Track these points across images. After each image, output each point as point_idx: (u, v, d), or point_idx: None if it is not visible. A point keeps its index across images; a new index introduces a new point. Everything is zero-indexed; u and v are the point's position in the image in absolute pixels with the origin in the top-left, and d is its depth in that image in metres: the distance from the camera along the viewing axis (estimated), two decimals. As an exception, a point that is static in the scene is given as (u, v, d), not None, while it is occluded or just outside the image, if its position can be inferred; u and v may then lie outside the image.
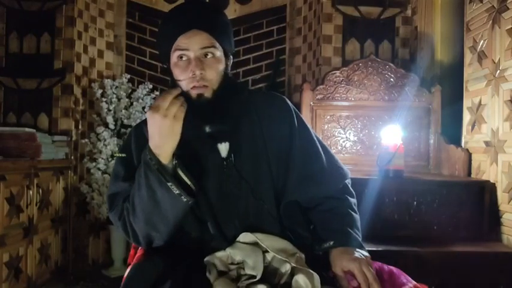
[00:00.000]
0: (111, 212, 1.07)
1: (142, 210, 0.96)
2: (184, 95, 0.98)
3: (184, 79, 1.00)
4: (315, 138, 1.15)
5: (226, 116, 1.03)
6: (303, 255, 0.97)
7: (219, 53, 1.02)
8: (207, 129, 1.03)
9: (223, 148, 1.04)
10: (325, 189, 1.11)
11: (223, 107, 1.02)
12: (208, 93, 1.00)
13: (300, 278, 0.89)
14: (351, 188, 1.18)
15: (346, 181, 1.16)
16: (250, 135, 1.07)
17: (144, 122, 1.12)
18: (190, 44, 0.99)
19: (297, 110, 1.15)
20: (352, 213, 1.11)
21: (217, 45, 1.02)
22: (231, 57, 1.10)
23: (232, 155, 1.04)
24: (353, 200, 1.15)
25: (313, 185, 1.09)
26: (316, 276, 0.90)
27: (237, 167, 1.03)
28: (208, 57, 1.00)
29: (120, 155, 1.10)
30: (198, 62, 0.99)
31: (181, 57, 1.01)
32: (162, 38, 1.07)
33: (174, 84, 1.03)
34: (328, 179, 1.11)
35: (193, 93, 1.00)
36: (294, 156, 1.09)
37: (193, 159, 1.01)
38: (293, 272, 0.92)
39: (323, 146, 1.15)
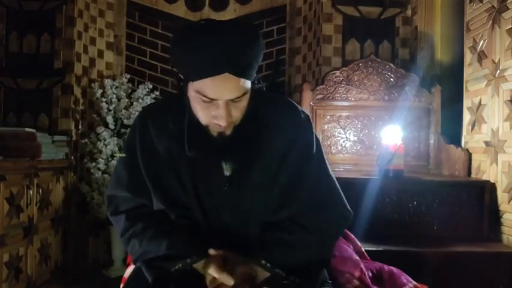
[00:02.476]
0: (111, 216, 1.07)
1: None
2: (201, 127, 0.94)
3: (205, 117, 0.91)
4: (318, 163, 1.02)
5: (241, 143, 0.95)
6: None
7: (248, 91, 0.90)
8: (224, 165, 0.97)
9: (228, 167, 0.97)
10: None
11: (242, 139, 0.93)
12: (229, 131, 0.92)
13: None
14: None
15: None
16: (256, 154, 0.97)
17: (148, 114, 1.05)
18: (220, 95, 0.85)
19: (310, 127, 1.04)
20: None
21: (249, 85, 0.89)
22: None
23: (235, 174, 0.97)
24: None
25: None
26: None
27: (238, 188, 0.97)
28: (236, 101, 0.89)
29: (122, 155, 1.07)
30: (226, 111, 0.87)
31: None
32: (181, 63, 0.90)
33: (179, 85, 0.95)
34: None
35: (214, 130, 0.92)
36: (287, 176, 0.99)
37: (197, 176, 0.98)
38: None
39: (327, 176, 1.04)
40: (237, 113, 0.91)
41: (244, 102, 0.91)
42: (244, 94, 0.88)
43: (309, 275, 0.95)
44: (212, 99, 0.87)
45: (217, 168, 0.97)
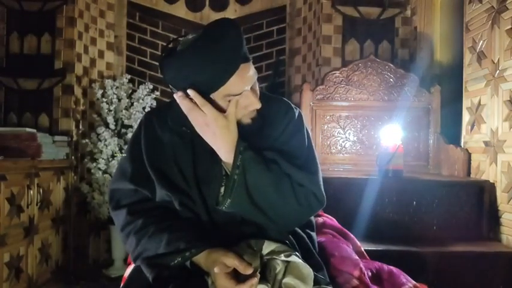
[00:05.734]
0: (112, 210, 1.07)
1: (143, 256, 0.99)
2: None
3: (238, 113, 0.96)
4: (306, 150, 1.05)
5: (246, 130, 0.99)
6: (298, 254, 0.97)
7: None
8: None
9: None
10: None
11: (239, 132, 0.97)
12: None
13: (289, 279, 0.89)
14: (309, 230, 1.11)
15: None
16: (253, 145, 1.00)
17: (152, 113, 1.12)
18: (244, 85, 0.92)
19: (302, 122, 1.08)
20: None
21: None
22: None
23: None
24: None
25: None
26: (308, 268, 0.91)
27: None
28: (253, 84, 0.95)
29: (126, 151, 1.11)
30: (255, 94, 0.95)
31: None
32: (197, 81, 0.90)
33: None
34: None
35: (246, 120, 0.99)
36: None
37: (197, 167, 1.01)
38: (286, 271, 0.92)
39: (312, 159, 1.05)
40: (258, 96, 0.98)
41: (257, 85, 0.98)
42: (256, 75, 0.96)
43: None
44: (241, 93, 0.92)
45: (217, 160, 0.99)
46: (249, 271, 0.87)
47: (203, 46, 0.88)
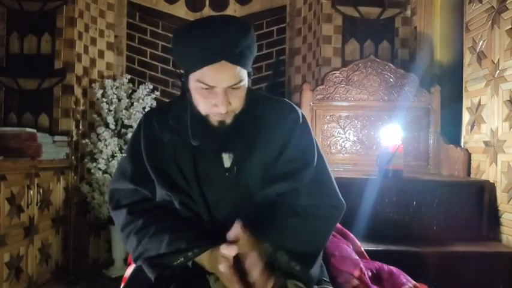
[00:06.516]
0: (112, 210, 1.07)
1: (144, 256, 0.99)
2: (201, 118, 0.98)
3: (206, 106, 0.96)
4: (315, 154, 1.06)
5: (241, 133, 1.00)
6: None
7: (245, 81, 0.96)
8: (223, 154, 1.01)
9: (227, 158, 1.01)
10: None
11: (241, 129, 0.99)
12: (229, 119, 0.98)
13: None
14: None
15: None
16: (255, 145, 1.02)
17: (152, 113, 1.12)
18: (218, 82, 0.92)
19: (307, 124, 1.10)
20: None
21: (245, 74, 0.95)
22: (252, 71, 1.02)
23: (234, 167, 1.01)
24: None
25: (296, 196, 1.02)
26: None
27: (238, 178, 1.00)
28: (234, 88, 0.94)
29: (126, 151, 1.12)
30: (224, 98, 0.93)
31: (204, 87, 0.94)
32: (182, 56, 0.97)
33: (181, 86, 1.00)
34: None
35: (214, 119, 0.98)
36: (281, 167, 1.03)
37: (198, 167, 1.01)
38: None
39: (324, 168, 1.07)
40: (236, 102, 0.96)
41: (242, 92, 0.97)
42: (240, 81, 0.94)
43: (304, 262, 0.97)
44: (212, 87, 0.93)
45: (218, 159, 1.00)
46: (234, 251, 0.88)
47: (192, 28, 0.93)
